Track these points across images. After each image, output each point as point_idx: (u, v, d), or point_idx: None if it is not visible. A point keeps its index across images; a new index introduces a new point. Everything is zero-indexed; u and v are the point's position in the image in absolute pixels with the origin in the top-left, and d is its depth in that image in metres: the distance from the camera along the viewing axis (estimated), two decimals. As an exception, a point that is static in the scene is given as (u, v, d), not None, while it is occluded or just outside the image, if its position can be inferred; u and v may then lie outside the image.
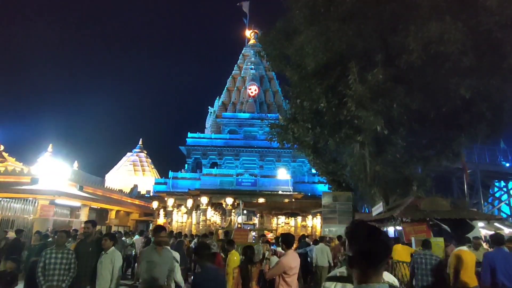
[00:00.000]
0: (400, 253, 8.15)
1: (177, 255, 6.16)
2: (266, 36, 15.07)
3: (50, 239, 9.22)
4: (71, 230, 11.94)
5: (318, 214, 19.55)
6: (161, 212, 27.56)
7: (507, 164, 23.71)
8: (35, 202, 20.12)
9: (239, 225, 22.02)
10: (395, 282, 2.07)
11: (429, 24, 9.60)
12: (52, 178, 21.29)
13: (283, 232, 20.01)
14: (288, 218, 24.18)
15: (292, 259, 4.49)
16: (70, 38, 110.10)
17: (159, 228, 4.98)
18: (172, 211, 27.08)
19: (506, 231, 15.34)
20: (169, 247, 5.92)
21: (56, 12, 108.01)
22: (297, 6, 12.77)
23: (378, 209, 11.85)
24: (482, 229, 13.72)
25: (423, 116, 11.65)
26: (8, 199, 20.06)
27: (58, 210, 21.70)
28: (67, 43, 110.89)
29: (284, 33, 13.92)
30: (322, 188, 25.33)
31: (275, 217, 24.20)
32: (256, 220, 24.73)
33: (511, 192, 25.20)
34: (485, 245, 10.25)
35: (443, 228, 9.76)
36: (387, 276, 2.10)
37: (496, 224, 14.55)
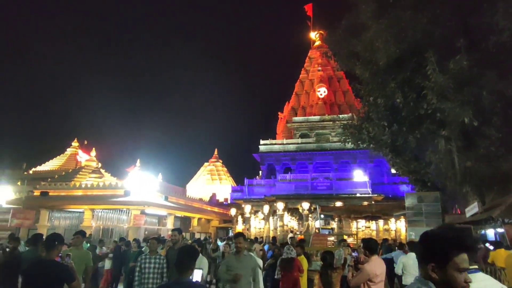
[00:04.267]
0: (504, 259, 7.19)
1: (260, 262, 6.25)
2: (332, 35, 14.72)
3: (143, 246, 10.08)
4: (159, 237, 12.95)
5: (402, 216, 18.30)
6: (239, 218, 28.39)
7: None
8: (128, 212, 22.28)
9: (316, 230, 21.64)
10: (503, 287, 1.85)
11: (522, -3, 8.46)
12: (142, 190, 23.36)
13: (364, 236, 19.17)
14: (369, 222, 23.04)
15: (377, 266, 4.24)
16: (153, 59, 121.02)
17: (236, 235, 5.17)
18: (249, 217, 27.74)
19: None
20: (252, 254, 6.04)
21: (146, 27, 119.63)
22: (364, 1, 12.28)
23: (472, 209, 10.67)
24: None
25: (521, 102, 10.25)
26: (106, 210, 22.56)
27: (147, 219, 23.71)
28: (153, 64, 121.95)
29: (351, 31, 13.44)
30: (404, 189, 23.68)
31: (354, 221, 23.25)
32: (334, 225, 24.07)
33: None
34: None
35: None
36: (493, 282, 1.86)
37: None
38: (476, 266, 1.95)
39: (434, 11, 10.50)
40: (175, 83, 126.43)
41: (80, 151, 34.06)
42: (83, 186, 24.35)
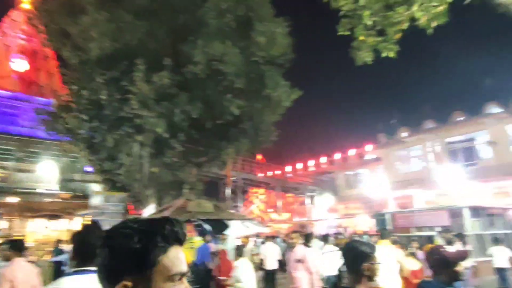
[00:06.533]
0: None
1: None
2: (45, 3, 12.67)
3: None
4: None
5: (88, 215, 17.85)
6: None
7: (260, 174, 29.44)
8: None
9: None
10: None
11: (214, 43, 10.60)
12: None
13: (40, 237, 17.23)
14: (49, 221, 20.91)
15: (17, 270, 3.73)
16: None
17: None
18: None
19: (254, 229, 18.72)
20: None
21: None
22: (89, -17, 11.44)
23: (150, 210, 11.93)
24: (240, 227, 16.13)
25: (201, 125, 12.65)
26: None
27: None
28: None
29: (69, 7, 12.09)
30: (96, 188, 23.41)
31: (31, 220, 20.40)
32: (4, 224, 20.06)
33: (260, 197, 31.38)
34: (235, 240, 12.07)
35: (205, 227, 10.83)
36: None
37: (247, 223, 17.47)
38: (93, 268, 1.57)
39: (152, 25, 11.27)
40: None
41: None
42: None
